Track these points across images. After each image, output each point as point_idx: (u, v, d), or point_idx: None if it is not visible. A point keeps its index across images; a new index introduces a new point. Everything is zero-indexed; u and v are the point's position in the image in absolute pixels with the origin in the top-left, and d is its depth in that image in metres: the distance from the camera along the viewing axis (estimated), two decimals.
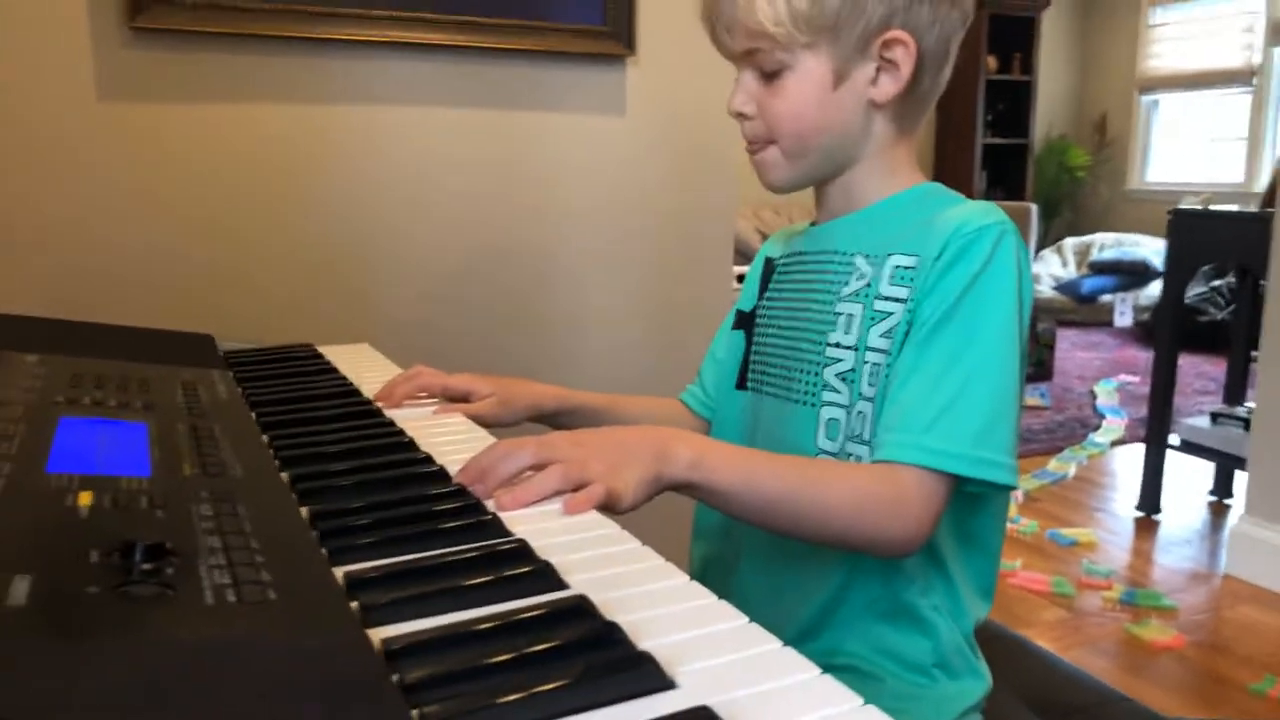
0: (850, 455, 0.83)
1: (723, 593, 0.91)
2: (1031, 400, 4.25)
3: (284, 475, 0.66)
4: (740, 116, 0.86)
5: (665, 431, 0.73)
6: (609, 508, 0.65)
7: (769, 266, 0.98)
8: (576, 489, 0.65)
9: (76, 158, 1.36)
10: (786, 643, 0.85)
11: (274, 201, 1.47)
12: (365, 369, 1.05)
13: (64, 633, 0.37)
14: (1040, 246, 6.47)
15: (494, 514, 0.60)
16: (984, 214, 0.80)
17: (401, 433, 0.78)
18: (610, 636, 0.43)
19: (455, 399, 0.93)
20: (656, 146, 1.72)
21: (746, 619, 0.46)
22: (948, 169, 6.39)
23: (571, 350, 1.70)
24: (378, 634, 0.44)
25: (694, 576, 0.99)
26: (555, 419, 1.00)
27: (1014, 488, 0.76)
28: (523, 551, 0.53)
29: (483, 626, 0.44)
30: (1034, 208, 5.78)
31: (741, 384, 0.96)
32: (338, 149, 1.49)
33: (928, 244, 0.80)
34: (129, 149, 1.39)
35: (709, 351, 1.06)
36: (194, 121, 1.41)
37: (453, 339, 1.58)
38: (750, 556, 0.90)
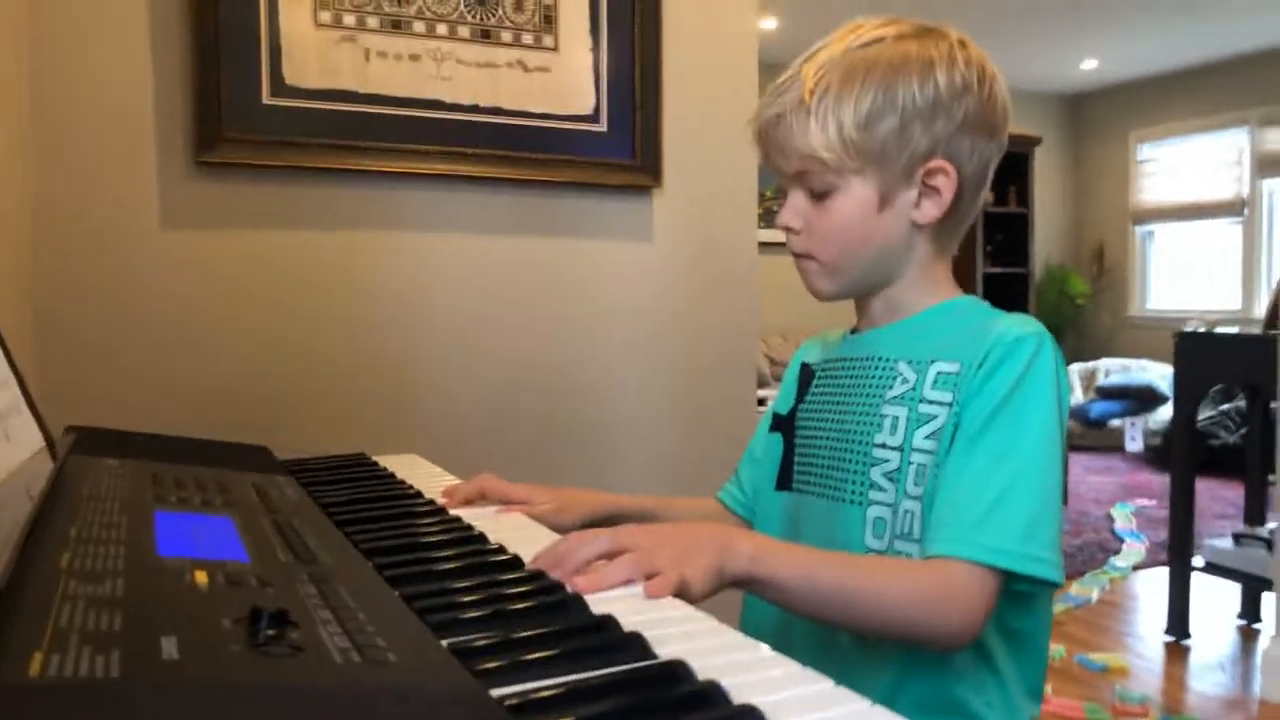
0: (898, 553, 0.85)
1: None
2: None
3: (370, 563, 0.69)
4: (788, 230, 0.92)
5: (726, 528, 0.77)
6: (678, 596, 0.68)
7: (806, 372, 1.03)
8: (649, 578, 0.68)
9: (140, 283, 1.44)
10: None
11: (326, 321, 1.54)
12: (419, 476, 1.08)
13: (216, 681, 0.41)
14: None
15: (575, 594, 0.63)
16: (1023, 324, 0.86)
17: (471, 527, 0.81)
18: (712, 693, 0.45)
19: (516, 505, 0.96)
20: (682, 269, 1.81)
21: (833, 682, 0.49)
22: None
23: (607, 459, 1.74)
24: (493, 692, 0.46)
25: None
26: (609, 524, 1.04)
27: (1059, 584, 0.79)
28: (613, 624, 0.56)
29: (592, 685, 0.46)
30: None
31: (783, 485, 1.00)
32: (387, 272, 1.57)
33: (970, 351, 0.85)
34: (189, 274, 1.46)
35: (747, 452, 1.10)
36: (252, 248, 1.50)
37: (495, 450, 1.62)
38: (802, 655, 0.91)
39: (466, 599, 0.61)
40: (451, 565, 0.69)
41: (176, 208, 1.46)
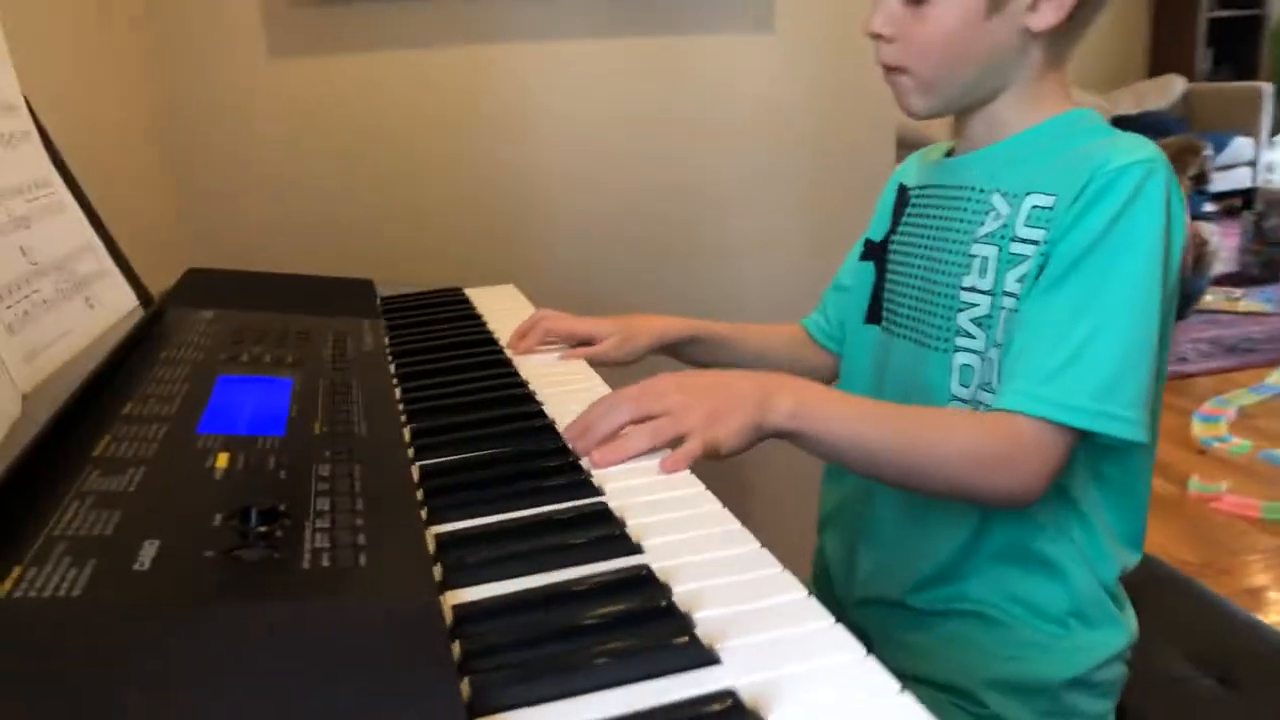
0: (981, 405, 0.79)
1: (855, 535, 0.92)
2: (1254, 305, 3.87)
3: (406, 430, 0.70)
4: (877, 38, 0.81)
5: (769, 378, 0.73)
6: (708, 456, 0.66)
7: (903, 195, 0.94)
8: (676, 441, 0.67)
9: (249, 113, 1.47)
10: (917, 584, 0.84)
11: (432, 144, 1.53)
12: (508, 311, 1.09)
13: (172, 599, 0.43)
14: (1274, 132, 5.77)
15: (588, 473, 0.62)
16: (1131, 149, 0.73)
17: (524, 384, 0.81)
18: (665, 611, 0.44)
19: (582, 343, 0.95)
20: (808, 64, 1.66)
21: (806, 592, 0.47)
22: (1164, 46, 5.77)
23: (724, 281, 1.69)
24: (454, 597, 0.47)
25: (825, 516, 1.00)
26: (680, 350, 1.01)
27: (1141, 443, 0.71)
28: (603, 515, 0.55)
29: (547, 593, 0.46)
30: (1266, 89, 5.16)
31: (872, 319, 0.93)
32: (492, 87, 1.53)
33: (1068, 182, 0.74)
34: (296, 103, 1.48)
35: (835, 279, 1.04)
36: (354, 72, 1.49)
37: (608, 275, 1.61)
38: (883, 500, 0.89)
39: (478, 475, 0.61)
40: (485, 431, 0.70)
41: (281, 36, 1.46)
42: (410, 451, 0.66)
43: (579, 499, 0.58)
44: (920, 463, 0.71)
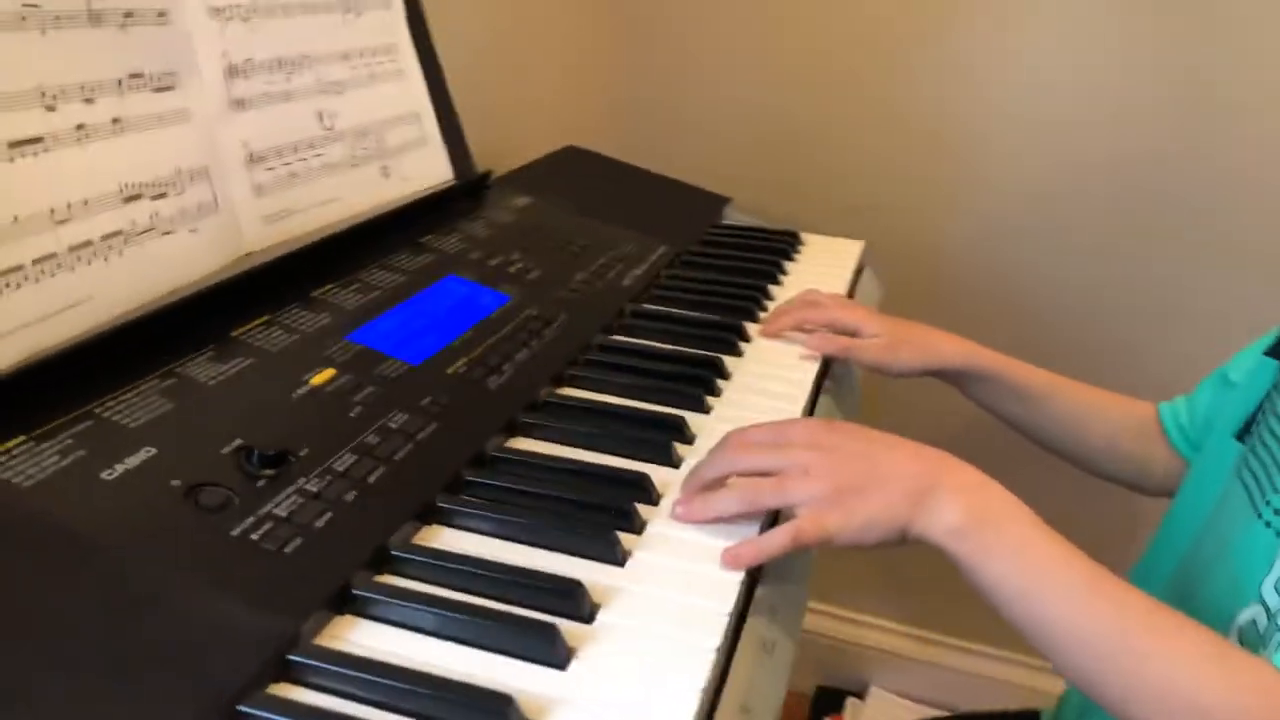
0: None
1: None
2: None
3: (527, 406, 0.65)
4: None
5: (949, 465, 0.54)
6: (811, 546, 0.52)
7: None
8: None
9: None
10: None
11: (875, 68, 1.35)
12: (821, 275, 0.96)
13: (71, 517, 0.44)
14: None
15: (613, 535, 0.51)
16: None
17: (707, 382, 0.71)
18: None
19: (843, 332, 0.80)
20: None
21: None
22: None
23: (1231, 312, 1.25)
24: (331, 629, 0.43)
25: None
26: (965, 385, 0.81)
27: None
28: (573, 590, 0.46)
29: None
30: None
31: (1244, 434, 0.66)
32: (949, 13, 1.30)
33: None
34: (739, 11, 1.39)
35: (1223, 367, 0.75)
36: None
37: (1036, 267, 1.33)
38: None
39: (514, 500, 0.54)
40: (603, 430, 0.62)
41: None
42: (494, 431, 0.61)
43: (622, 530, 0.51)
44: (1111, 676, 0.49)
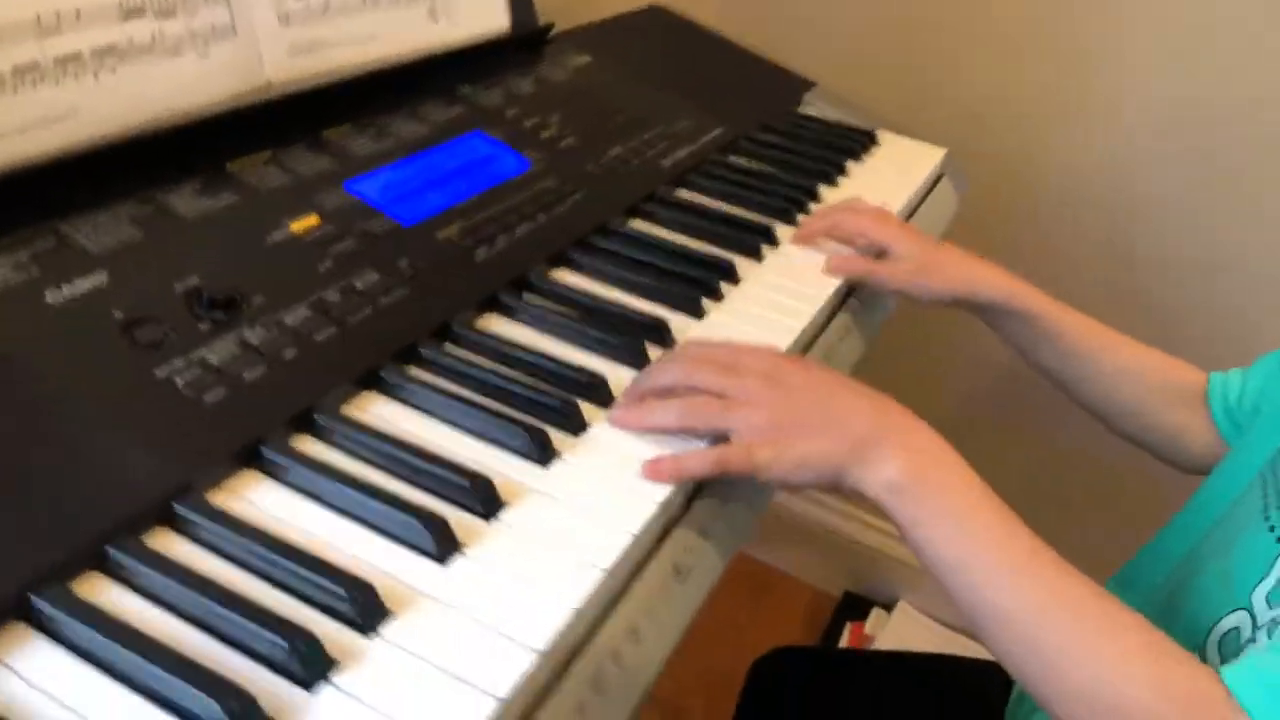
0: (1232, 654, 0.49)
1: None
2: None
3: (511, 284, 0.62)
4: None
5: (898, 419, 0.50)
6: (733, 475, 0.50)
7: None
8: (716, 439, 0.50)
9: None
10: None
11: None
12: (884, 183, 0.89)
13: (21, 342, 0.44)
14: None
15: (544, 435, 0.50)
16: None
17: (708, 286, 0.67)
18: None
19: (870, 250, 0.74)
20: None
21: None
22: None
23: None
24: (230, 485, 0.43)
25: None
26: (991, 318, 0.74)
27: None
28: (478, 485, 0.45)
29: None
30: None
31: None
32: None
33: None
34: None
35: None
36: None
37: (1146, 214, 1.20)
38: None
39: (479, 385, 0.53)
40: (585, 329, 0.60)
41: None
42: (480, 306, 0.59)
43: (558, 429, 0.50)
44: (1038, 653, 0.46)
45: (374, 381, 0.51)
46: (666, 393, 0.52)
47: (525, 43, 0.90)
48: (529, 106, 0.81)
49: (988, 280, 0.72)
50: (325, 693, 0.35)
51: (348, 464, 0.46)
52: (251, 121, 0.64)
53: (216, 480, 0.43)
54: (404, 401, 0.51)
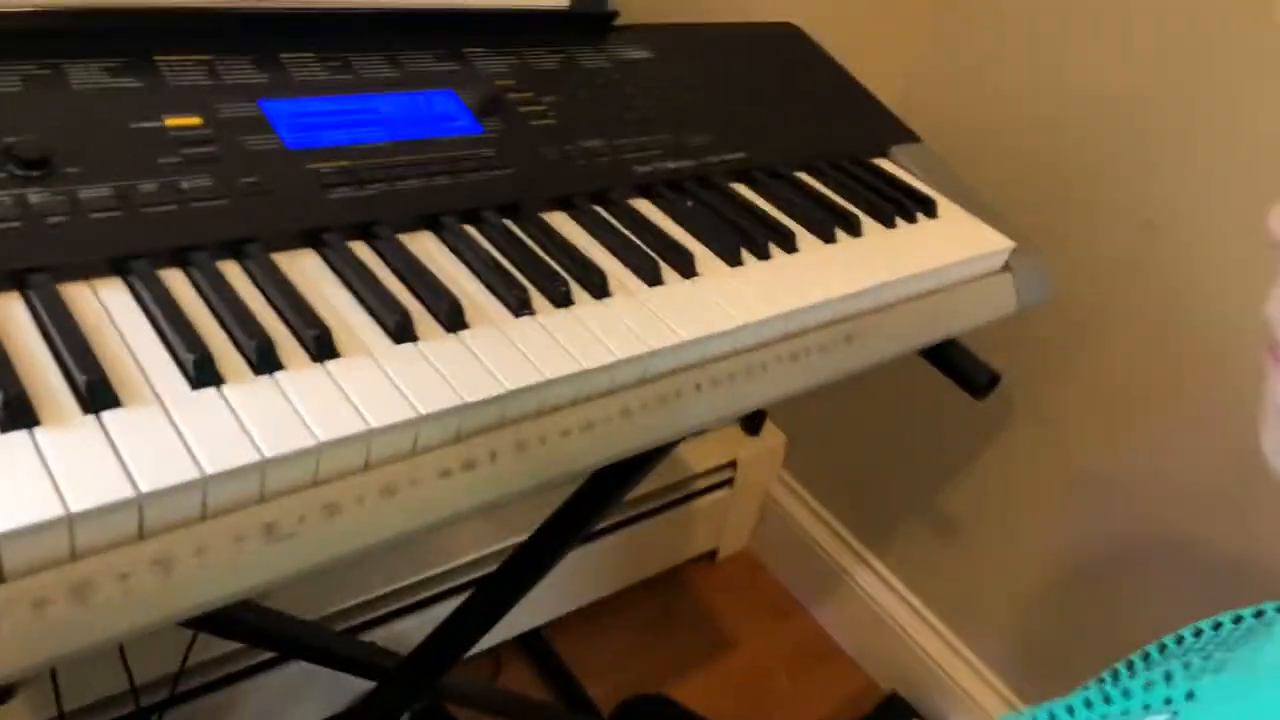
0: None
1: None
2: None
3: (345, 229, 0.62)
4: None
5: None
6: None
7: None
8: None
9: None
10: None
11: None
12: (893, 253, 0.80)
13: None
14: None
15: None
16: None
17: (522, 302, 0.63)
18: None
19: None
20: None
21: None
22: None
23: None
24: None
25: None
26: None
27: None
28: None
29: None
30: None
31: None
32: None
33: None
34: None
35: None
36: None
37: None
38: None
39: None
40: (360, 284, 0.59)
41: None
42: (294, 241, 0.60)
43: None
44: None
45: (123, 270, 0.54)
46: None
47: (584, 23, 0.90)
48: (530, 82, 0.80)
49: None
50: None
51: None
52: (224, 24, 0.69)
53: None
54: (133, 293, 0.53)
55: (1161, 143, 1.13)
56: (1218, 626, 0.51)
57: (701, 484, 1.61)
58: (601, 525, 1.45)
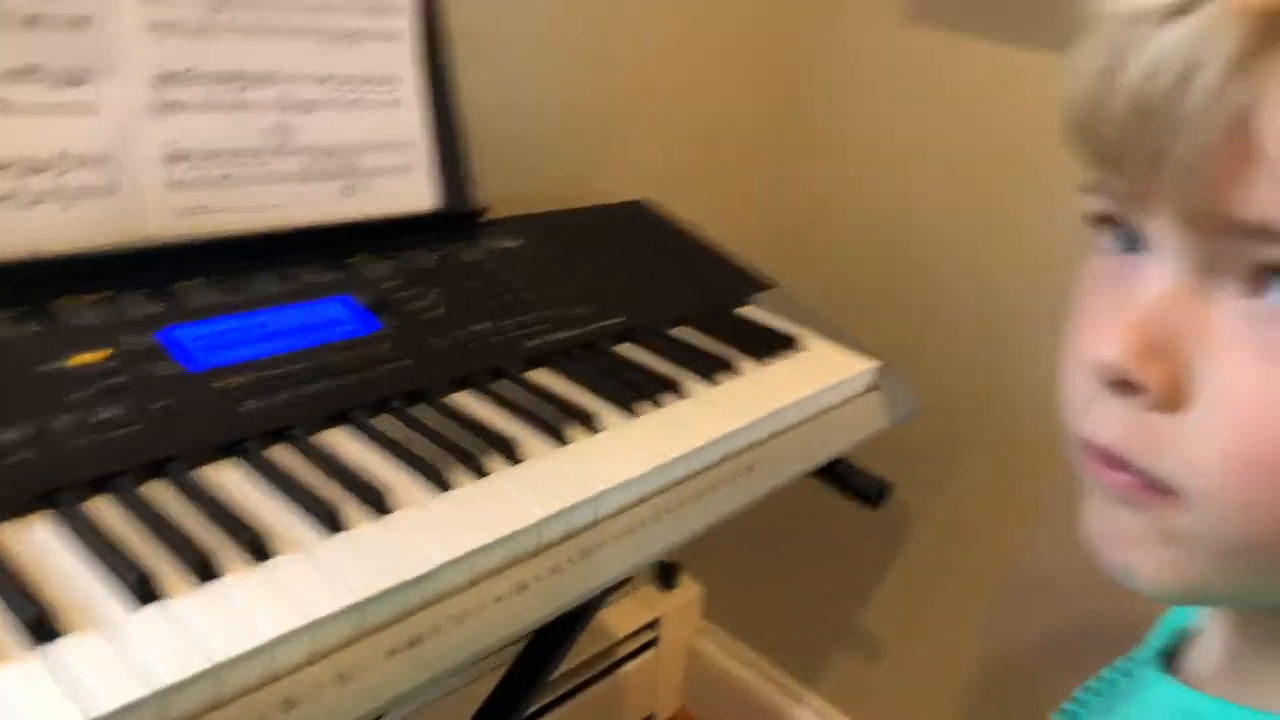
0: None
1: None
2: None
3: (262, 436, 0.65)
4: (1123, 385, 0.38)
5: None
6: None
7: None
8: None
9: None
10: None
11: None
12: (771, 385, 0.87)
13: None
14: None
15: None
16: None
17: (440, 483, 0.67)
18: None
19: None
20: None
21: None
22: None
23: None
24: None
25: None
26: None
27: None
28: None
29: None
30: None
31: None
32: None
33: None
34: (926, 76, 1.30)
35: None
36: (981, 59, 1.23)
37: None
38: None
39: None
40: (278, 484, 0.61)
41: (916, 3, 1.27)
42: (216, 452, 0.62)
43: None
44: None
45: (50, 505, 0.55)
46: None
47: (455, 221, 0.96)
48: (415, 279, 0.86)
49: None
50: None
51: None
52: (110, 266, 0.72)
53: None
54: (70, 529, 0.53)
55: (988, 243, 1.27)
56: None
57: (626, 649, 1.60)
58: (531, 710, 1.42)
